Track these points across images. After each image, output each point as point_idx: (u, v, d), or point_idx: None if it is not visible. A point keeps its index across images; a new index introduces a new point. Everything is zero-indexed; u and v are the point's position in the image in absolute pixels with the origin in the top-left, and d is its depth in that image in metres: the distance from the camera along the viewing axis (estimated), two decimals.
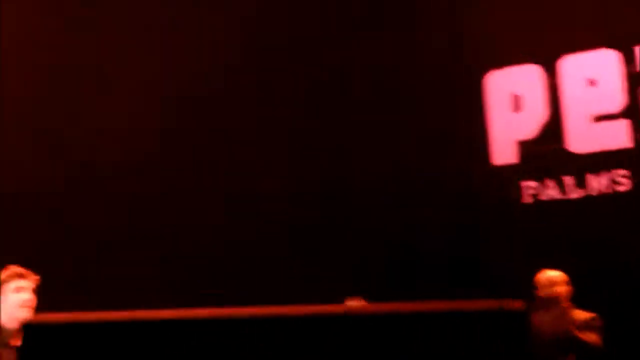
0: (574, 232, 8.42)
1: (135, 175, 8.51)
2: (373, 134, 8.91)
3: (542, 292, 7.15)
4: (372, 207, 8.79)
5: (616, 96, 8.37)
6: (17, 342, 5.56)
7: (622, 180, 8.36)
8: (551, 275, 7.22)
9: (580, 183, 8.48)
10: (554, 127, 8.58)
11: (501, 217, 8.66)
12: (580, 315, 7.10)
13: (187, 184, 8.67)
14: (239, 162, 8.85)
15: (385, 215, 8.76)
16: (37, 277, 5.64)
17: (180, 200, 8.59)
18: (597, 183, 8.43)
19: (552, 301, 7.10)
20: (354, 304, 7.11)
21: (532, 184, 8.64)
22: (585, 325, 7.03)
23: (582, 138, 8.49)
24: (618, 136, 8.37)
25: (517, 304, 6.90)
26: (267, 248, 8.54)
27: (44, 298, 4.66)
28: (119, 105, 8.71)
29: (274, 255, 8.49)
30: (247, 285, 8.08)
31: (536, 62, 8.64)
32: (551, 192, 8.57)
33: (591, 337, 6.96)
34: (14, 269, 5.68)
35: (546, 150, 8.60)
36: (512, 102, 8.72)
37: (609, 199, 8.39)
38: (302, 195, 8.75)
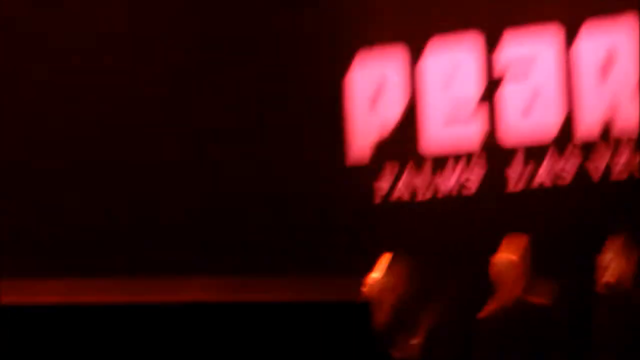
0: (423, 233, 8.58)
1: None
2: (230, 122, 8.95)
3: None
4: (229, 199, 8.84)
5: (470, 102, 8.60)
6: None
7: (470, 184, 8.57)
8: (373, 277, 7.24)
9: (430, 185, 8.66)
10: (407, 129, 8.76)
11: (353, 217, 8.77)
12: None
13: None
14: None
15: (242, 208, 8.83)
16: None
17: None
18: (446, 185, 8.62)
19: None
20: None
21: (384, 184, 8.78)
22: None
23: (434, 141, 8.68)
24: (469, 140, 8.59)
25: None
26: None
27: None
28: None
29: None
30: None
31: (395, 63, 8.81)
32: (401, 193, 8.73)
33: None
34: None
35: (399, 151, 8.77)
36: (370, 103, 8.88)
37: (457, 200, 8.59)
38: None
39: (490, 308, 7.12)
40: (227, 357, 2.06)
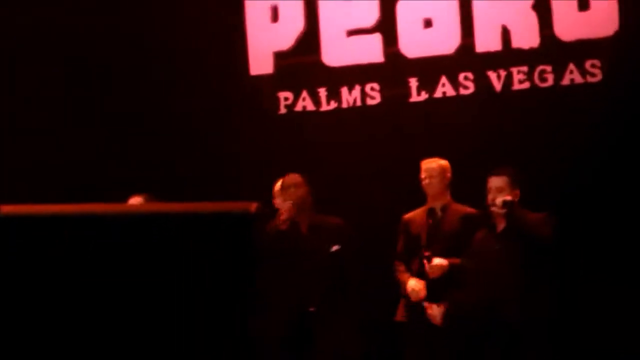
0: (326, 143, 8.64)
1: None
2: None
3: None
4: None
5: (370, 11, 8.61)
6: None
7: (373, 94, 8.62)
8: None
9: (334, 95, 8.69)
10: (309, 39, 8.74)
11: (257, 127, 8.78)
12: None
13: None
14: None
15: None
16: None
17: None
18: (350, 96, 8.66)
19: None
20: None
21: (288, 94, 8.78)
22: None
23: (336, 51, 8.68)
24: (370, 50, 8.62)
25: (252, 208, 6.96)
26: None
27: None
28: None
29: None
30: None
31: None
32: (305, 103, 8.74)
33: None
34: None
35: (301, 61, 8.75)
36: (270, 13, 8.81)
37: (360, 111, 8.65)
38: None
39: (418, 211, 7.22)
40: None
